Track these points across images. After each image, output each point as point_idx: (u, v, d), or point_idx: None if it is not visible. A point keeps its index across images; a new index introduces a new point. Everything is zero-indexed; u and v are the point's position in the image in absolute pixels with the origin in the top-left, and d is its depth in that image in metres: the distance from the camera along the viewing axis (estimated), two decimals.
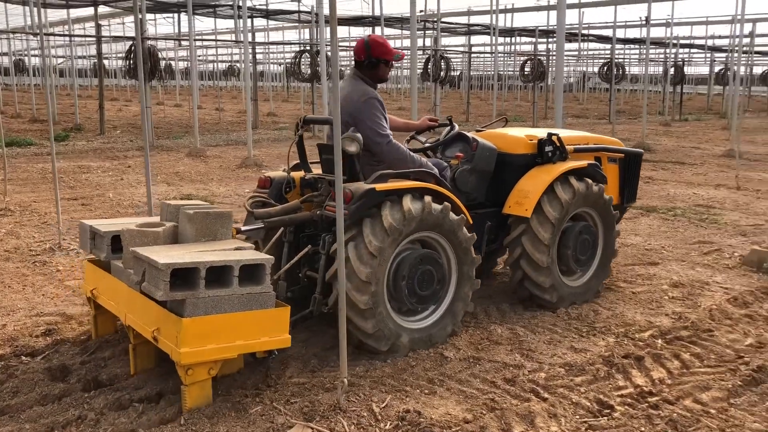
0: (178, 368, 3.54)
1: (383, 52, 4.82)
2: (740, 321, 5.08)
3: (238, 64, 42.05)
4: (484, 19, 27.02)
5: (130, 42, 16.30)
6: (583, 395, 3.89)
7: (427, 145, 5.63)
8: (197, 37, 25.70)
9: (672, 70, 28.98)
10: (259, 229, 4.56)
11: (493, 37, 22.15)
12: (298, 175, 4.94)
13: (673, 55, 29.38)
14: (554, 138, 5.32)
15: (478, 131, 5.79)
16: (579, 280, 5.48)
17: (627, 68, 35.15)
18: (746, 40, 30.39)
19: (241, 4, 17.52)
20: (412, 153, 4.85)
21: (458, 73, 38.60)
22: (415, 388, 3.92)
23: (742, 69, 37.15)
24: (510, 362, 4.29)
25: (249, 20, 22.77)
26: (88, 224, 4.38)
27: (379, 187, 4.26)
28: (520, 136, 5.51)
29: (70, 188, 10.67)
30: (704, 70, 42.86)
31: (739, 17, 22.43)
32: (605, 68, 26.30)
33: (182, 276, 3.53)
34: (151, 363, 4.12)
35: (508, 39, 28.91)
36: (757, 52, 34.23)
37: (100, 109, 18.62)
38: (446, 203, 4.48)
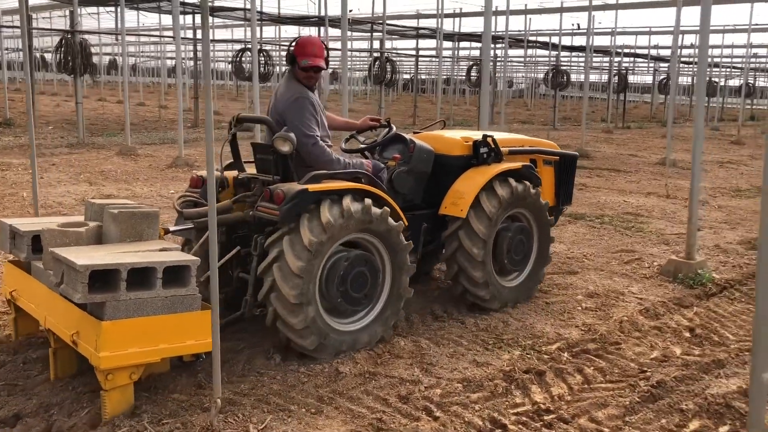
0: (98, 373, 3.44)
1: (298, 53, 4.78)
2: (649, 333, 5.00)
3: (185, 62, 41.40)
4: (432, 23, 27.02)
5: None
6: (477, 413, 3.73)
7: (363, 146, 5.59)
8: (134, 32, 25.11)
9: (616, 78, 29.41)
10: (189, 230, 4.51)
11: (439, 41, 22.12)
12: (231, 174, 4.85)
13: (616, 64, 29.82)
14: (489, 140, 5.35)
15: (415, 133, 5.81)
16: (514, 280, 5.51)
17: (573, 76, 35.67)
18: (688, 51, 31.15)
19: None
20: (338, 156, 4.80)
21: (408, 77, 38.64)
22: (301, 407, 3.71)
23: (683, 79, 38.12)
24: (407, 378, 4.11)
25: (189, 17, 22.33)
26: (8, 223, 4.26)
27: (312, 187, 4.21)
28: (456, 137, 5.53)
29: None
30: (648, 79, 43.78)
31: (681, 28, 22.92)
32: (550, 75, 26.54)
33: (103, 278, 3.42)
34: (73, 368, 3.98)
35: (455, 44, 28.97)
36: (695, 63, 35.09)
37: (32, 105, 17.84)
38: (384, 206, 4.47)
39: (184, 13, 21.30)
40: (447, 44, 28.82)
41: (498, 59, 25.81)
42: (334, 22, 22.91)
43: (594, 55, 32.50)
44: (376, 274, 4.48)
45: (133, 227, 3.97)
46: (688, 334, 5.00)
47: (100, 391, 3.48)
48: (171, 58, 42.59)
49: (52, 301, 3.76)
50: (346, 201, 4.25)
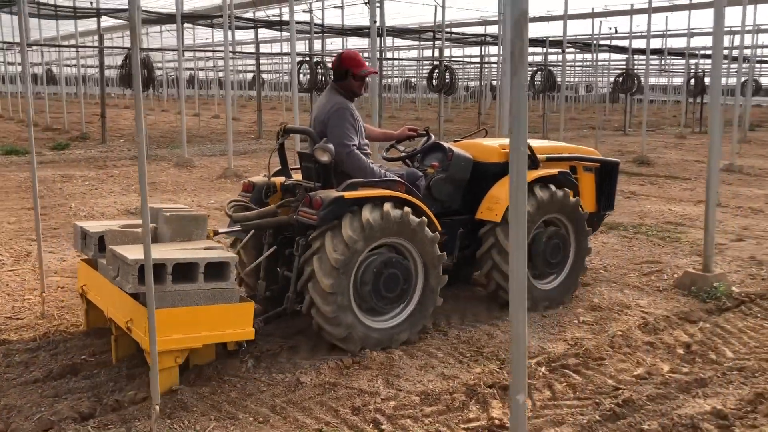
0: (146, 356, 3.76)
1: (351, 65, 5.04)
2: (639, 349, 4.80)
3: (264, 75, 42.55)
4: (495, 30, 26.75)
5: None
6: (425, 427, 3.68)
7: (403, 154, 5.85)
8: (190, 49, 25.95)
9: (693, 81, 28.26)
10: (237, 231, 4.89)
11: (501, 47, 21.93)
12: (279, 180, 5.17)
13: (693, 66, 28.66)
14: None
15: (455, 141, 6.02)
16: (552, 282, 5.67)
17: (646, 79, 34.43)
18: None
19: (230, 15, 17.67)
20: (373, 165, 5.00)
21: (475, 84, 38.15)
22: (250, 415, 3.76)
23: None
24: (367, 389, 4.09)
25: (251, 32, 22.93)
26: (79, 225, 4.74)
27: (348, 195, 4.49)
28: (494, 145, 5.72)
29: (39, 197, 10.72)
30: (732, 81, 41.72)
31: (749, 27, 21.85)
32: (620, 79, 25.75)
33: (156, 271, 3.68)
34: (131, 352, 4.38)
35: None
36: None
37: (101, 117, 18.82)
38: (407, 209, 4.66)
39: (240, 28, 21.92)
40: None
41: (568, 64, 25.29)
42: (392, 32, 23.06)
43: (669, 57, 31.47)
44: (408, 278, 4.72)
45: (183, 228, 4.42)
46: (682, 351, 4.76)
47: (149, 372, 3.76)
48: (251, 72, 43.74)
49: (113, 293, 4.18)
50: (366, 211, 4.48)
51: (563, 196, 5.50)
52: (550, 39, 24.60)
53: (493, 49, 25.58)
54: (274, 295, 4.90)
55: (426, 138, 5.75)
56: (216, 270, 4.00)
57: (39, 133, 22.36)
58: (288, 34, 27.04)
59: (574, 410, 3.86)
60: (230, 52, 15.39)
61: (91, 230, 4.57)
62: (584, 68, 33.15)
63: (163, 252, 4.01)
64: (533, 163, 5.54)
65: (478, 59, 26.70)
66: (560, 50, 23.46)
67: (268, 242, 4.88)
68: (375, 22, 9.13)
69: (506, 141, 5.73)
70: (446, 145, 5.63)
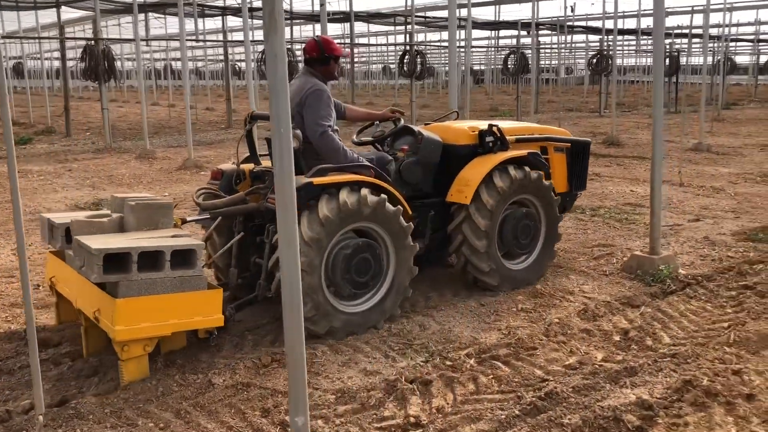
0: (114, 345, 3.82)
1: (333, 49, 5.16)
2: (575, 337, 4.64)
3: (240, 64, 41.99)
4: (475, 12, 26.47)
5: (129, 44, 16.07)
6: (336, 427, 3.50)
7: (371, 138, 5.87)
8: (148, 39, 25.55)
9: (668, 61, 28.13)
10: (205, 219, 4.90)
11: (467, 31, 21.66)
12: (248, 167, 5.16)
13: (668, 45, 28.52)
14: (494, 129, 5.54)
15: (426, 125, 6.04)
16: (523, 263, 5.72)
17: (621, 60, 34.34)
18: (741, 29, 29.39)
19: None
20: (346, 148, 4.99)
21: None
22: (151, 421, 3.56)
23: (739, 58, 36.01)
24: (281, 389, 3.90)
25: (206, 20, 22.53)
26: (45, 217, 4.70)
27: (317, 180, 4.51)
28: (464, 127, 5.73)
29: None
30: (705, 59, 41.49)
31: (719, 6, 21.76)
32: (594, 60, 25.58)
33: (118, 261, 3.81)
34: (102, 344, 4.32)
35: (492, 33, 28.31)
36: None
37: (65, 111, 18.44)
38: (382, 195, 4.68)
39: (207, 15, 21.51)
40: (485, 33, 28.22)
41: (544, 46, 25.09)
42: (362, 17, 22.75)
43: (643, 37, 31.33)
44: (379, 263, 4.74)
45: (149, 217, 4.40)
46: (618, 338, 4.61)
47: (119, 361, 3.86)
48: (203, 60, 42.98)
49: (80, 283, 4.14)
50: (343, 194, 4.50)
51: (532, 177, 5.53)
52: (522, 21, 24.35)
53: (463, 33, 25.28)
54: (246, 282, 4.92)
55: (395, 122, 5.76)
56: (183, 258, 3.99)
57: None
58: (258, 22, 26.66)
59: (494, 405, 3.69)
60: (188, 40, 15.03)
61: (57, 221, 4.51)
62: (559, 50, 32.84)
63: (128, 241, 4.01)
64: (502, 144, 5.56)
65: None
66: (534, 33, 23.23)
67: (238, 230, 4.89)
68: (323, 5, 8.85)
69: (476, 123, 5.85)
70: (416, 128, 5.63)
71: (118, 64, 19.28)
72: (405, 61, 21.06)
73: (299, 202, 4.19)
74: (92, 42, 15.93)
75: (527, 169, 5.52)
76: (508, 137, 5.65)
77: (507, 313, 5.11)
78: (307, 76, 5.13)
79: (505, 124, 5.91)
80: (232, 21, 25.46)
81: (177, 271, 3.95)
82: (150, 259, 3.90)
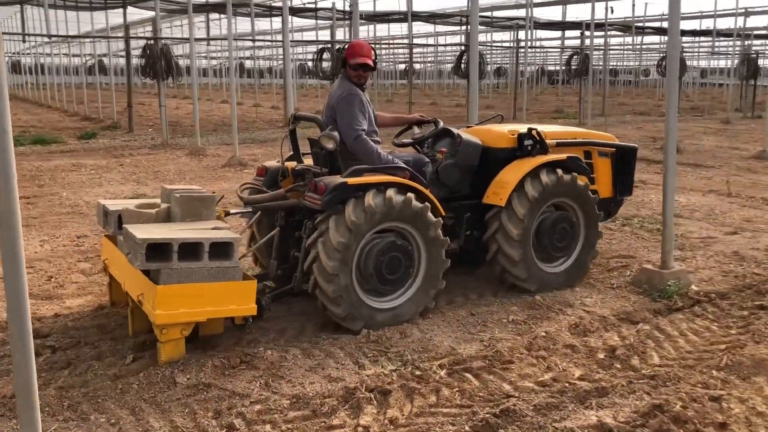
0: (155, 327, 4.10)
1: (348, 54, 5.29)
2: (557, 352, 4.46)
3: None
4: (536, 13, 26.00)
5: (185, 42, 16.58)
6: None
7: (411, 140, 6.04)
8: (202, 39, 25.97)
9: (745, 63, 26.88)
10: (247, 213, 5.11)
11: (529, 31, 21.33)
12: (291, 165, 5.36)
13: (745, 47, 27.26)
14: (534, 133, 5.63)
15: (467, 128, 6.15)
16: (561, 266, 5.73)
17: (695, 62, 32.97)
18: None
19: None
20: (380, 151, 5.14)
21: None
22: (103, 416, 3.62)
23: None
24: (240, 391, 3.90)
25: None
26: (101, 203, 4.99)
27: (351, 180, 4.66)
28: (503, 131, 5.80)
29: (39, 186, 10.91)
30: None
31: None
32: (663, 62, 24.67)
33: (161, 250, 4.08)
34: (146, 326, 4.55)
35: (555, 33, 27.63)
36: None
37: (128, 107, 19.09)
38: (409, 194, 4.79)
39: (261, 15, 21.83)
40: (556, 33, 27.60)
41: (608, 47, 24.38)
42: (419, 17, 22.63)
43: (718, 39, 30.03)
44: (410, 261, 4.87)
45: (193, 209, 4.61)
46: (602, 355, 4.41)
47: (157, 342, 4.12)
48: (268, 59, 43.43)
49: (129, 268, 4.37)
50: (369, 197, 4.62)
51: (571, 180, 5.54)
52: (587, 21, 23.69)
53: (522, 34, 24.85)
54: (285, 274, 5.09)
55: (434, 124, 5.88)
56: (221, 249, 4.22)
57: (76, 123, 22.95)
58: (322, 21, 26.98)
59: (447, 419, 3.59)
60: (242, 39, 15.28)
61: (111, 208, 4.80)
62: (626, 52, 31.82)
63: (171, 232, 4.25)
64: (542, 148, 5.60)
65: (514, 43, 25.94)
66: (592, 33, 22.62)
67: (279, 224, 5.12)
68: (354, 5, 8.83)
69: (516, 126, 5.89)
70: (455, 131, 5.73)
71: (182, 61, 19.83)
72: (462, 61, 20.87)
73: (335, 201, 4.60)
74: (152, 41, 16.41)
75: (560, 172, 5.52)
76: (548, 141, 5.70)
77: (495, 324, 4.97)
78: (342, 81, 5.34)
79: (546, 128, 5.99)
80: (296, 21, 25.80)
81: (214, 262, 4.19)
82: (190, 249, 4.15)
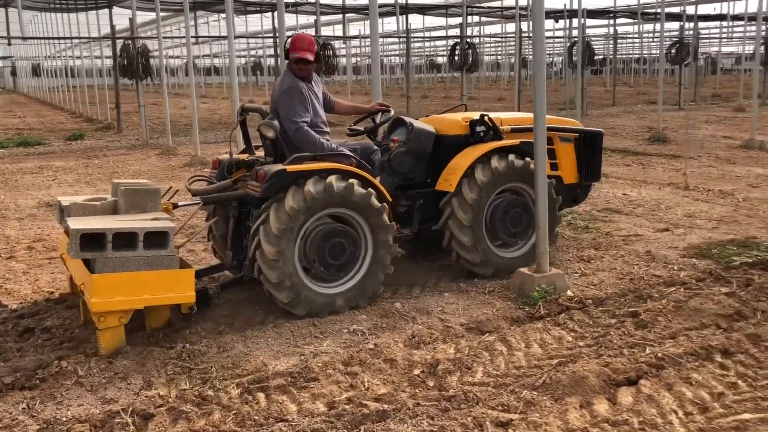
0: (92, 315, 4.21)
1: (290, 49, 5.30)
2: (373, 367, 4.08)
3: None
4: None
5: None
6: None
7: (361, 129, 6.11)
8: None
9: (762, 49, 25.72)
10: (195, 205, 5.20)
11: (518, 22, 20.61)
12: (244, 157, 5.47)
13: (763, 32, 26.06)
14: (486, 119, 5.67)
15: (426, 117, 6.29)
16: (519, 251, 5.73)
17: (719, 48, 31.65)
18: None
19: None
20: (323, 140, 5.19)
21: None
22: None
23: None
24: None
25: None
26: (59, 200, 4.99)
27: (290, 168, 4.74)
28: (456, 118, 5.87)
29: None
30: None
31: None
32: (673, 50, 23.77)
33: (98, 240, 4.19)
34: None
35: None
36: None
37: (116, 108, 19.10)
38: (350, 180, 4.83)
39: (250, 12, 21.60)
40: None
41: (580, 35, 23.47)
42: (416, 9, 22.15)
43: (734, 24, 28.84)
44: (355, 247, 4.92)
45: (137, 201, 4.73)
46: (419, 371, 4.02)
47: (96, 330, 4.23)
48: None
49: (76, 260, 4.47)
50: (309, 184, 4.69)
51: (524, 166, 5.54)
52: (588, 10, 22.92)
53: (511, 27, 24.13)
54: (240, 263, 5.15)
55: (383, 113, 5.94)
56: (156, 239, 4.31)
57: (76, 123, 23.12)
58: (309, 17, 26.68)
59: None
60: (193, 36, 15.05)
61: (64, 204, 4.82)
62: (635, 40, 30.74)
63: (106, 222, 4.37)
64: (495, 134, 5.65)
65: (512, 35, 25.22)
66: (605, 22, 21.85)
67: (232, 215, 5.23)
68: None
69: (470, 114, 5.90)
70: (407, 119, 5.82)
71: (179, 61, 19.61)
72: (456, 53, 20.39)
73: (274, 188, 4.66)
74: (129, 41, 16.34)
75: (512, 157, 5.52)
76: (503, 127, 5.76)
77: (332, 334, 4.61)
78: (286, 74, 5.38)
79: (502, 114, 6.05)
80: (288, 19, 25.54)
81: (150, 251, 4.28)
82: (126, 239, 4.25)
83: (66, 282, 5.78)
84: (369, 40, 31.68)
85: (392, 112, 5.93)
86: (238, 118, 5.49)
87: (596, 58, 22.73)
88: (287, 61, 5.36)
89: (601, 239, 6.88)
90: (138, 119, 23.23)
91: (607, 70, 21.42)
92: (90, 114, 24.85)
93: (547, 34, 36.35)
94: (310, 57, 5.25)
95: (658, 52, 43.56)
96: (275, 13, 21.51)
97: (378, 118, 6.07)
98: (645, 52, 43.83)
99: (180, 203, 5.15)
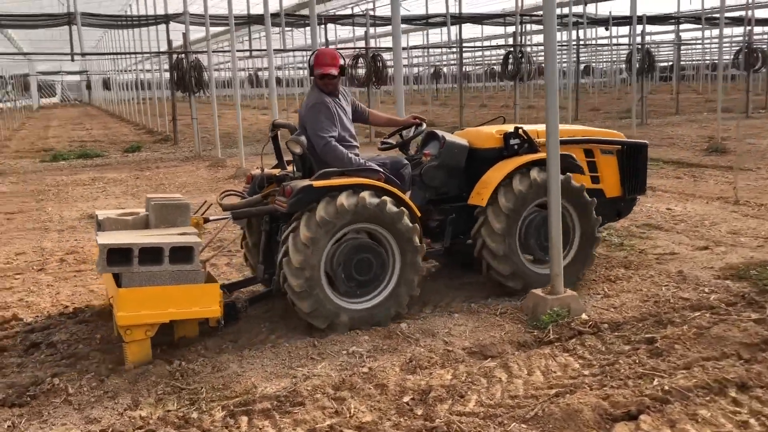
0: (119, 328, 4.28)
1: (314, 64, 5.29)
2: (362, 392, 3.95)
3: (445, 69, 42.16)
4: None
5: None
6: None
7: (392, 143, 6.04)
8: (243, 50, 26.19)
9: None
10: (226, 219, 5.28)
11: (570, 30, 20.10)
12: (276, 172, 5.48)
13: None
14: (520, 131, 5.58)
15: (461, 130, 6.23)
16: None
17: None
18: None
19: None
20: (351, 155, 5.15)
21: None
22: None
23: None
24: None
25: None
26: (97, 214, 5.19)
27: (317, 183, 4.76)
28: (490, 131, 5.76)
29: (37, 201, 11.21)
30: None
31: None
32: (740, 55, 22.79)
33: (125, 255, 4.30)
34: None
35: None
36: None
37: (173, 120, 19.55)
38: (384, 197, 4.82)
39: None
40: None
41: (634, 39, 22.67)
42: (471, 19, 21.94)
43: None
44: (382, 263, 4.90)
45: (166, 216, 4.83)
46: (408, 398, 3.86)
47: (122, 343, 4.31)
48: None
49: (108, 274, 4.61)
50: (342, 197, 4.68)
51: (561, 180, 5.25)
52: (648, 16, 22.21)
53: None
54: (270, 277, 5.17)
55: (415, 127, 5.88)
56: (182, 254, 4.37)
57: (138, 136, 23.83)
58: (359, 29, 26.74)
59: None
60: (237, 51, 15.22)
61: (101, 217, 4.99)
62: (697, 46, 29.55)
63: (134, 237, 4.47)
64: (529, 147, 5.53)
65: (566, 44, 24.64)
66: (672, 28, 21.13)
67: (264, 229, 5.26)
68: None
69: (505, 127, 5.79)
70: (440, 133, 5.77)
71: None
72: (509, 62, 20.08)
73: (301, 203, 4.68)
74: (182, 55, 16.70)
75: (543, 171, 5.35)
76: (540, 140, 5.55)
77: (330, 356, 4.50)
78: (312, 90, 5.42)
79: (538, 127, 5.82)
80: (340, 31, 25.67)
81: (175, 266, 4.34)
82: (152, 253, 4.32)
83: (88, 295, 5.91)
84: (427, 51, 31.41)
85: (425, 126, 5.88)
86: (270, 133, 5.57)
87: (657, 64, 21.95)
88: (312, 77, 5.38)
89: (634, 257, 6.55)
90: (207, 130, 23.90)
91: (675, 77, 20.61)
92: (151, 126, 25.57)
93: (608, 41, 35.53)
94: (334, 72, 5.24)
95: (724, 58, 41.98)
96: (329, 27, 21.72)
97: (410, 132, 6.02)
98: (713, 58, 42.30)
99: (211, 217, 5.24)
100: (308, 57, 5.47)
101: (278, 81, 40.83)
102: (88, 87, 59.40)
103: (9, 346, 4.85)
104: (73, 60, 19.13)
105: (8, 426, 3.71)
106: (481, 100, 35.36)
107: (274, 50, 24.50)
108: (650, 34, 34.06)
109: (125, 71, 33.93)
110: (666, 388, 3.75)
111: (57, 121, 35.68)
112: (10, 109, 37.44)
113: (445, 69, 45.78)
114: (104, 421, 3.72)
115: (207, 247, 6.27)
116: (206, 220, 5.17)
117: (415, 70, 49.65)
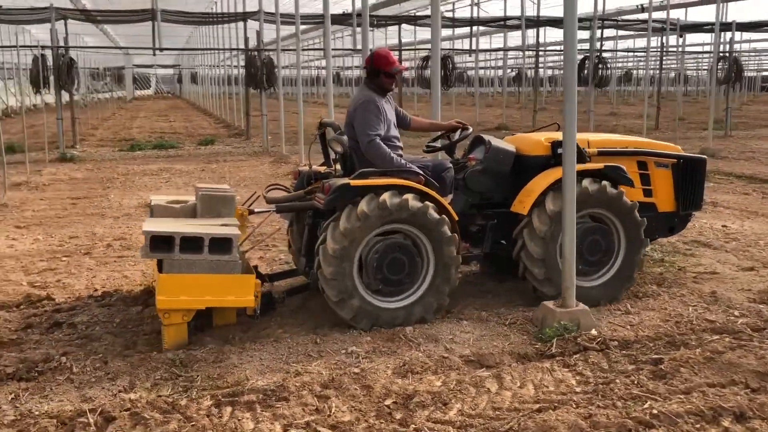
0: (158, 312, 4.52)
1: (382, 64, 5.39)
2: (347, 392, 3.96)
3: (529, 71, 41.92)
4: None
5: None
6: None
7: (437, 146, 6.24)
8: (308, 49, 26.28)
9: None
10: (270, 212, 5.41)
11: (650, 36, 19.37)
12: (322, 169, 5.66)
13: None
14: None
15: (513, 135, 6.25)
16: (595, 281, 5.47)
17: None
18: None
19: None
20: (394, 155, 5.23)
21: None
22: None
23: None
24: None
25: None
26: (151, 199, 5.48)
27: (354, 182, 4.86)
28: (539, 138, 5.72)
29: (104, 188, 11.75)
30: None
31: None
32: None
33: (168, 242, 4.51)
34: None
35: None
36: None
37: (246, 116, 20.06)
38: (427, 202, 4.89)
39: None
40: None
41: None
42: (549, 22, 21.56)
43: None
44: (414, 264, 4.95)
45: (212, 206, 5.04)
46: (390, 402, 3.86)
47: (161, 326, 4.56)
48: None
49: (155, 260, 4.87)
50: (385, 195, 4.78)
51: (606, 191, 5.33)
52: (738, 22, 21.17)
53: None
54: (310, 271, 5.23)
55: (461, 131, 5.91)
56: (220, 244, 4.56)
57: (215, 129, 24.59)
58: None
59: None
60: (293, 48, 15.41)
61: (154, 203, 5.25)
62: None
63: (177, 226, 4.68)
64: (579, 156, 5.27)
65: (654, 50, 23.80)
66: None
67: (307, 223, 5.39)
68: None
69: (554, 134, 5.65)
70: (486, 138, 5.74)
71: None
72: (585, 67, 19.60)
73: (337, 201, 4.80)
74: (254, 53, 17.12)
75: (603, 183, 5.32)
76: (590, 150, 5.56)
77: (328, 354, 4.53)
78: (362, 89, 5.54)
79: (590, 136, 5.84)
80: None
81: (214, 256, 4.52)
82: (192, 242, 4.51)
83: (121, 281, 6.18)
84: (505, 53, 30.97)
85: (470, 130, 5.91)
86: (318, 131, 5.69)
87: (745, 74, 20.95)
88: (368, 77, 5.48)
89: (670, 275, 6.30)
90: (274, 126, 24.44)
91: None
92: (229, 121, 26.32)
93: (695, 48, 34.12)
94: (404, 69, 5.29)
95: None
96: (398, 27, 21.78)
97: (456, 136, 6.01)
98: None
99: (256, 210, 5.39)
100: (366, 57, 5.58)
101: (350, 81, 41.25)
102: (179, 81, 61.67)
103: (35, 323, 5.12)
104: (154, 54, 19.80)
105: (11, 398, 3.92)
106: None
107: (350, 49, 24.73)
108: (747, 41, 32.62)
109: (210, 66, 35.04)
110: (654, 411, 3.60)
111: (144, 112, 37.18)
112: (106, 100, 39.51)
113: (529, 72, 45.07)
114: (97, 401, 3.88)
115: (247, 239, 6.43)
116: (251, 212, 5.33)
117: (494, 72, 49.10)
